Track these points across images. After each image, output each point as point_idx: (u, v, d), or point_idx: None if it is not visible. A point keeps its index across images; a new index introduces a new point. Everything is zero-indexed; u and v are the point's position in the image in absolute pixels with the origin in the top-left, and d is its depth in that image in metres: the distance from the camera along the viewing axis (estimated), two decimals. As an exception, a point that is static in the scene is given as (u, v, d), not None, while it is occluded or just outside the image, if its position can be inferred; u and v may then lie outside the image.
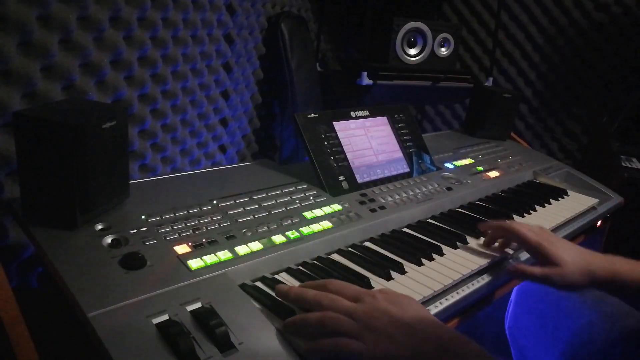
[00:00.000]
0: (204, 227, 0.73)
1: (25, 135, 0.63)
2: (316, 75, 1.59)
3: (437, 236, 0.88)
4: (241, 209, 0.80)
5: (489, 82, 1.86)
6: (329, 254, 0.79)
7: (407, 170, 1.11)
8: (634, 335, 0.88)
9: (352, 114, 1.06)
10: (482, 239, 0.90)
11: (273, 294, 0.65)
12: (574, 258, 0.78)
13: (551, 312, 1.00)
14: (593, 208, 1.19)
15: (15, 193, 0.70)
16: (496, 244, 0.88)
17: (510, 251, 0.87)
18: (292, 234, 0.77)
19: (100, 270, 0.60)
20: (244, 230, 0.75)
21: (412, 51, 1.68)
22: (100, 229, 0.67)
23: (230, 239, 0.72)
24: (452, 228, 0.93)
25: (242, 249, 0.70)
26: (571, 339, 0.93)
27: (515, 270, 0.79)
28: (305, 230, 0.79)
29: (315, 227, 0.80)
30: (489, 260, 0.82)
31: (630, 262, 0.77)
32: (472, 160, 1.30)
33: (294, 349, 0.55)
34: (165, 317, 0.54)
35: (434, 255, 0.81)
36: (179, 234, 0.70)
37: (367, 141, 1.06)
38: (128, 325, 0.52)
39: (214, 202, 0.81)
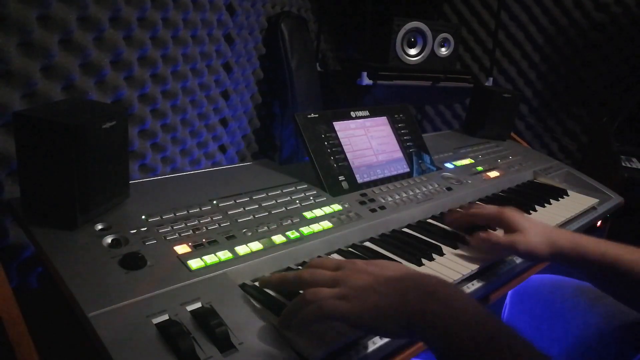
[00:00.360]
0: (204, 227, 0.73)
1: (25, 135, 0.63)
2: (316, 75, 1.59)
3: (437, 236, 0.88)
4: (241, 209, 0.80)
5: (489, 82, 1.87)
6: (329, 254, 0.79)
7: (407, 170, 1.11)
8: (629, 335, 0.88)
9: (352, 114, 1.06)
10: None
11: (273, 294, 0.65)
12: (537, 227, 0.78)
13: (546, 314, 1.00)
14: (593, 208, 1.19)
15: (15, 193, 0.70)
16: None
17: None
18: (292, 234, 0.77)
19: (100, 270, 0.60)
20: (244, 230, 0.75)
21: (412, 51, 1.68)
22: (100, 229, 0.67)
23: (230, 239, 0.72)
24: (452, 228, 0.93)
25: (242, 249, 0.70)
26: (566, 340, 0.94)
27: (482, 239, 0.80)
28: (305, 230, 0.79)
29: (315, 227, 0.80)
30: (486, 262, 0.82)
31: (594, 239, 0.77)
32: (472, 160, 1.30)
33: (294, 349, 0.55)
34: (165, 317, 0.54)
35: (434, 255, 0.81)
36: (179, 234, 0.70)
37: (367, 141, 1.06)
38: (128, 325, 0.52)
39: (214, 202, 0.81)
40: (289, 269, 0.73)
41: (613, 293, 0.82)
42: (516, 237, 0.78)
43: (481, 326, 0.49)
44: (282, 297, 0.64)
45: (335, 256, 0.79)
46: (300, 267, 0.73)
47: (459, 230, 0.89)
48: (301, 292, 0.58)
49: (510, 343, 0.48)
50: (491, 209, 0.84)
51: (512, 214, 0.80)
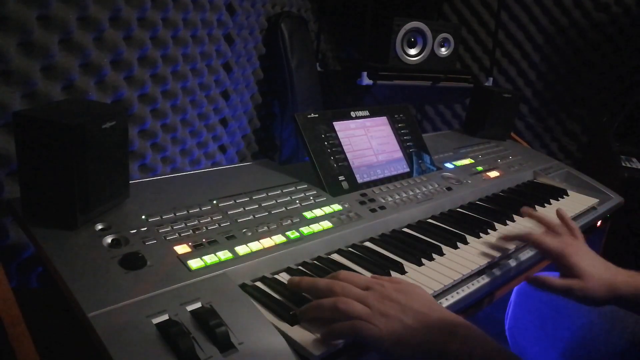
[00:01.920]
0: (204, 227, 0.73)
1: (25, 135, 0.63)
2: (316, 75, 1.59)
3: (437, 236, 0.88)
4: (241, 209, 0.80)
5: (489, 82, 1.87)
6: (329, 254, 0.79)
7: (407, 170, 1.11)
8: (634, 335, 0.88)
9: (352, 114, 1.06)
10: (482, 239, 0.90)
11: (273, 294, 0.65)
12: (599, 271, 0.75)
13: (551, 313, 1.00)
14: (593, 208, 1.19)
15: (15, 193, 0.70)
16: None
17: (512, 246, 0.87)
18: (292, 234, 0.77)
19: (100, 270, 0.59)
20: (244, 230, 0.75)
21: (412, 51, 1.69)
22: (100, 229, 0.67)
23: (230, 239, 0.72)
24: (452, 228, 0.93)
25: (242, 249, 0.70)
26: (571, 339, 0.93)
27: (536, 280, 0.77)
28: (305, 230, 0.79)
29: (315, 227, 0.80)
30: (489, 261, 0.82)
31: None
32: (472, 160, 1.30)
33: (294, 349, 0.55)
34: (165, 317, 0.54)
35: (434, 255, 0.81)
36: (179, 234, 0.70)
37: (367, 141, 1.06)
38: (128, 325, 0.52)
39: (214, 202, 0.81)
40: (289, 269, 0.73)
41: None
42: (575, 284, 0.74)
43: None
44: (282, 297, 0.64)
45: (336, 256, 0.79)
46: (300, 267, 0.73)
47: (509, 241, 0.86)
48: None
49: None
50: (553, 243, 0.78)
51: (576, 258, 0.75)
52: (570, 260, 0.75)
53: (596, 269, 0.75)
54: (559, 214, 0.88)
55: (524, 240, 0.84)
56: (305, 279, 0.64)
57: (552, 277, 0.76)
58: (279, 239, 0.75)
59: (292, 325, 0.59)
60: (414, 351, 0.55)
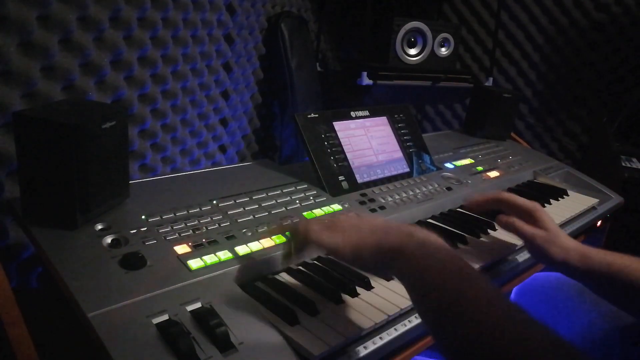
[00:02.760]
0: (204, 227, 0.73)
1: (25, 135, 0.63)
2: (316, 75, 1.59)
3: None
4: (241, 209, 0.80)
5: (489, 82, 1.87)
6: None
7: (407, 170, 1.11)
8: (633, 335, 0.88)
9: (352, 114, 1.06)
10: (482, 239, 0.90)
11: (273, 293, 0.65)
12: (560, 233, 0.78)
13: (550, 313, 1.00)
14: (593, 208, 1.19)
15: (15, 193, 0.71)
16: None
17: (519, 243, 0.87)
18: (292, 234, 0.77)
19: (100, 270, 0.60)
20: (244, 230, 0.75)
21: (412, 51, 1.69)
22: (100, 229, 0.67)
23: (230, 239, 0.72)
24: (452, 228, 0.93)
25: (242, 249, 0.70)
26: (570, 339, 0.93)
27: (506, 222, 0.81)
28: (305, 230, 0.79)
29: (315, 227, 0.80)
30: (488, 261, 0.82)
31: (599, 250, 0.77)
32: (472, 160, 1.30)
33: (294, 349, 0.55)
34: (165, 317, 0.54)
35: (434, 255, 0.81)
36: (179, 234, 0.70)
37: (367, 141, 1.06)
38: (128, 325, 0.52)
39: (214, 202, 0.81)
40: (289, 269, 0.73)
41: (620, 304, 0.82)
42: (539, 233, 0.78)
43: (450, 262, 0.55)
44: (282, 297, 0.64)
45: (335, 256, 0.79)
46: (300, 267, 0.73)
47: (479, 213, 0.89)
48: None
49: (473, 274, 0.53)
50: (526, 200, 0.83)
51: (545, 213, 0.80)
52: (543, 217, 0.79)
53: (560, 231, 0.78)
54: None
55: (496, 201, 0.85)
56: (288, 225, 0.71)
57: (523, 223, 0.79)
58: (279, 239, 0.75)
59: (292, 325, 0.59)
60: (373, 255, 0.59)
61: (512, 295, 1.13)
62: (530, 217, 0.80)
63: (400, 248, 0.57)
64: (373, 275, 0.73)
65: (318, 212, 0.85)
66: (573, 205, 1.16)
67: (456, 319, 0.49)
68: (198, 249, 0.67)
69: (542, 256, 0.78)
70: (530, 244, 0.79)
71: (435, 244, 0.58)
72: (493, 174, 1.24)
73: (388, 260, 0.58)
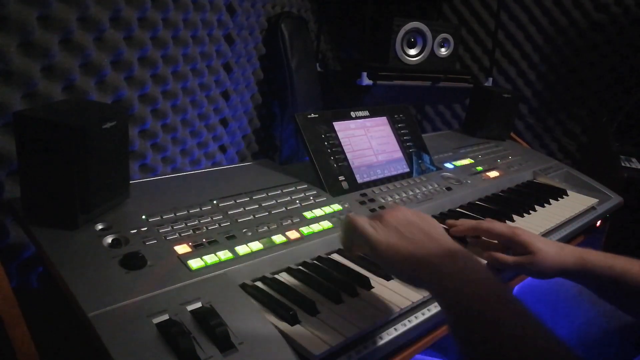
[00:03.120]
0: (204, 227, 0.73)
1: (26, 135, 0.63)
2: (316, 75, 1.59)
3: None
4: (241, 209, 0.81)
5: (489, 82, 1.87)
6: (329, 254, 0.80)
7: (407, 170, 1.11)
8: (631, 335, 0.88)
9: (352, 114, 1.06)
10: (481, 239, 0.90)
11: (273, 293, 0.65)
12: (547, 246, 0.78)
13: (549, 313, 1.00)
14: (593, 208, 1.19)
15: (16, 193, 0.70)
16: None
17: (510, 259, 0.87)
18: (292, 234, 0.77)
19: (101, 270, 0.60)
20: (244, 230, 0.75)
21: (412, 51, 1.69)
22: (101, 229, 0.67)
23: (231, 239, 0.72)
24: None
25: (242, 249, 0.70)
26: (569, 338, 0.93)
27: (491, 258, 0.80)
28: (305, 230, 0.79)
29: (315, 227, 0.80)
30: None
31: (600, 253, 0.77)
32: (472, 160, 1.30)
33: (294, 349, 0.55)
34: (166, 317, 0.54)
35: (434, 255, 0.81)
36: (179, 234, 0.70)
37: (367, 141, 1.06)
38: (128, 325, 0.52)
39: (214, 202, 0.81)
40: (289, 269, 0.73)
41: (621, 306, 0.82)
42: (527, 260, 0.77)
43: (488, 287, 0.53)
44: (282, 297, 0.64)
45: (336, 256, 0.79)
46: (300, 267, 0.74)
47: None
48: None
49: (510, 298, 0.52)
50: (503, 227, 0.82)
51: (526, 236, 0.79)
52: (521, 239, 0.79)
53: (545, 245, 0.78)
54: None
55: (475, 230, 0.85)
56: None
57: (506, 256, 0.79)
58: (279, 238, 0.75)
59: (292, 325, 0.59)
60: (406, 264, 0.57)
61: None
62: (512, 242, 0.80)
63: (439, 268, 0.55)
64: (373, 275, 0.73)
65: (318, 212, 0.85)
66: (573, 205, 1.16)
67: (492, 348, 0.48)
68: (198, 249, 0.68)
69: (538, 275, 0.79)
70: (521, 271, 0.79)
71: (474, 268, 0.56)
72: (493, 174, 1.24)
73: (423, 275, 0.56)
